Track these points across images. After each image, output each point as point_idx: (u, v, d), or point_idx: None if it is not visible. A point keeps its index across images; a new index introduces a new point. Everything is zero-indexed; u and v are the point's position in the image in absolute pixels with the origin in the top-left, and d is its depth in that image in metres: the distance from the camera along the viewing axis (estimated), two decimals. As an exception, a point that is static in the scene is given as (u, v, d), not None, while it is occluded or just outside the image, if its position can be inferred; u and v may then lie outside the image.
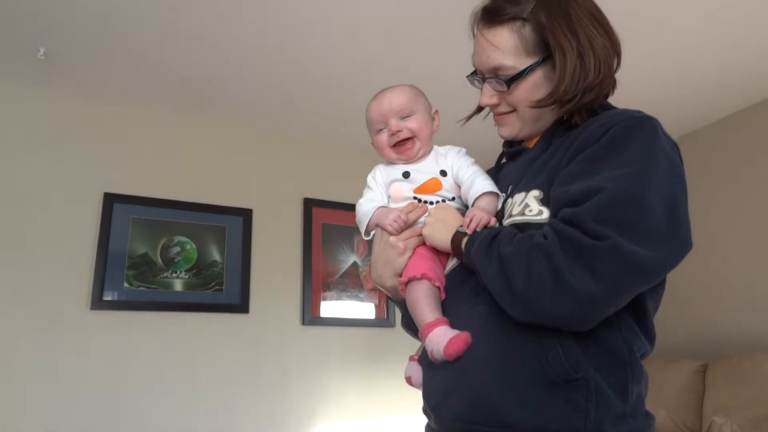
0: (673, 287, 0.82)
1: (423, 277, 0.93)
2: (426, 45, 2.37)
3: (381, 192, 1.06)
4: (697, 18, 2.19)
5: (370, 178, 1.09)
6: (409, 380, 1.03)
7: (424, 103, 1.09)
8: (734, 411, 2.28)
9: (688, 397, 2.52)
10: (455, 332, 0.86)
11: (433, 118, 1.10)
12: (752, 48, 2.39)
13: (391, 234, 1.00)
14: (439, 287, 0.93)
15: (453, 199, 1.03)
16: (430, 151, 1.07)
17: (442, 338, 0.86)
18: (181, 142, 2.97)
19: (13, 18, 2.15)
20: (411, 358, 1.05)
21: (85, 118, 2.78)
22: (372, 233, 1.05)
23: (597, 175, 0.79)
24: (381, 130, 1.07)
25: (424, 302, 0.92)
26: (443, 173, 1.04)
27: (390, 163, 1.09)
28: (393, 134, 1.04)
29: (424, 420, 0.97)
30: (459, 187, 1.03)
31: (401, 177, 1.04)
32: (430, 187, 1.02)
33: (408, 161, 1.06)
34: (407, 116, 1.05)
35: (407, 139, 1.04)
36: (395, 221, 0.99)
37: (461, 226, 0.92)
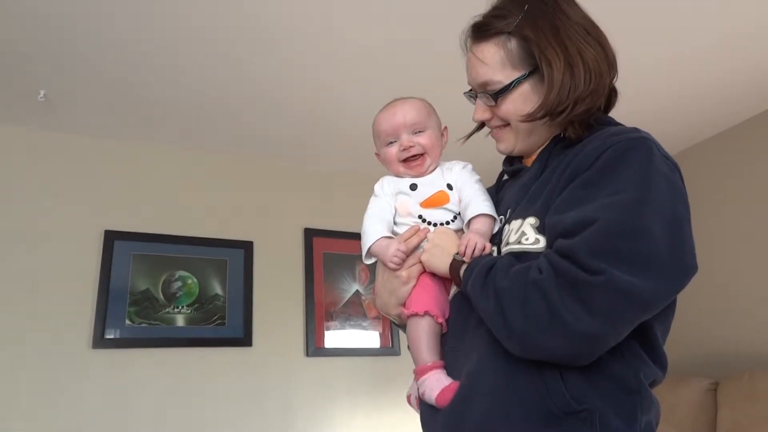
0: (682, 304, 0.80)
1: (426, 314, 0.93)
2: (428, 77, 2.39)
3: (388, 201, 1.05)
4: (697, 30, 2.23)
5: (377, 187, 1.08)
6: (409, 398, 1.02)
7: (435, 119, 1.09)
8: (749, 430, 2.24)
9: (701, 416, 2.48)
10: (448, 381, 0.87)
11: (442, 134, 1.10)
12: (755, 59, 2.42)
13: (392, 270, 0.98)
14: (441, 324, 0.93)
15: (458, 214, 1.02)
16: (437, 166, 1.07)
17: (435, 385, 0.87)
18: (179, 178, 2.99)
19: (13, 62, 2.19)
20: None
21: (84, 157, 2.80)
22: (373, 260, 1.04)
23: (591, 203, 0.77)
24: (391, 143, 1.06)
25: (423, 341, 0.92)
26: (449, 187, 1.03)
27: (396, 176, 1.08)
28: (404, 149, 1.04)
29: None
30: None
31: (408, 189, 1.03)
32: (437, 200, 1.01)
33: (416, 176, 1.05)
34: (419, 131, 1.05)
35: (418, 156, 1.04)
36: (395, 256, 0.96)
37: (457, 253, 0.91)
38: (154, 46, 2.15)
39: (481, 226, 0.94)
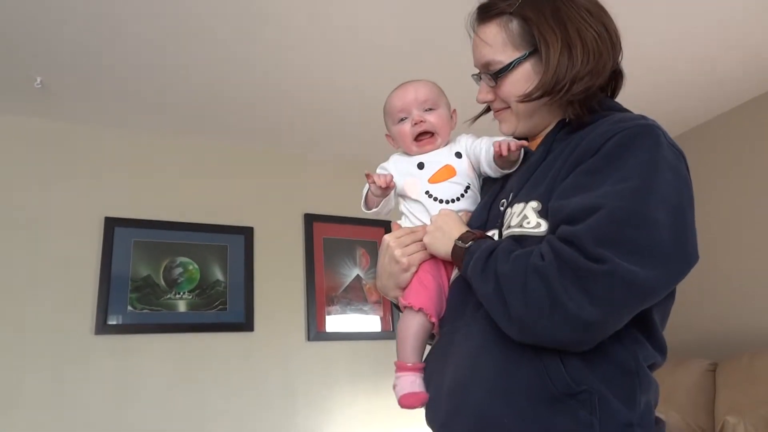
0: (681, 286, 0.80)
1: (420, 310, 0.94)
2: (429, 65, 2.37)
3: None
4: (692, 14, 2.21)
5: (379, 169, 1.10)
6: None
7: (446, 100, 1.10)
8: (747, 410, 2.25)
9: (700, 397, 2.50)
10: (420, 390, 0.91)
11: (451, 117, 1.11)
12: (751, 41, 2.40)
13: (375, 182, 1.02)
14: (433, 323, 0.94)
15: (468, 187, 1.02)
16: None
17: (408, 387, 0.91)
18: (179, 164, 2.98)
19: (8, 49, 2.17)
20: None
21: (83, 144, 2.79)
22: (372, 210, 1.09)
23: (596, 189, 0.77)
24: (403, 119, 1.07)
25: (410, 339, 0.94)
26: (458, 155, 1.05)
27: (405, 154, 1.09)
28: (416, 124, 1.05)
29: (434, 433, 0.96)
30: (474, 169, 1.04)
31: (416, 168, 1.05)
32: (443, 174, 1.03)
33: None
34: (430, 109, 1.07)
35: (429, 134, 1.06)
36: (386, 176, 1.03)
37: (459, 239, 0.91)
38: (154, 34, 2.13)
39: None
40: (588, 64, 0.87)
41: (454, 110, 1.12)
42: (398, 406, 0.93)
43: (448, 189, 1.02)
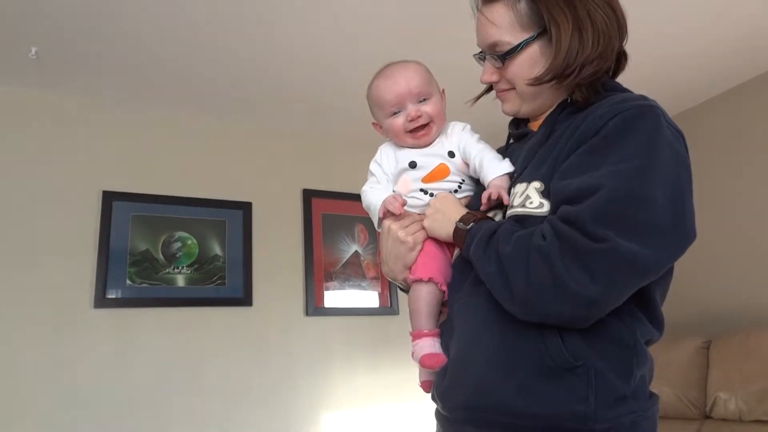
0: (676, 263, 0.82)
1: (430, 280, 0.94)
2: (430, 33, 2.34)
3: (386, 179, 1.05)
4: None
5: (374, 165, 1.07)
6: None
7: (435, 84, 1.07)
8: (739, 386, 2.29)
9: (693, 373, 2.53)
10: (439, 351, 0.92)
11: (442, 97, 1.08)
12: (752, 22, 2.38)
13: (391, 212, 0.98)
14: (444, 291, 0.95)
15: (462, 182, 1.01)
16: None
17: (427, 348, 0.92)
18: (177, 138, 2.96)
19: (2, 18, 2.13)
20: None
21: (80, 117, 2.76)
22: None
23: (597, 169, 0.78)
24: (396, 113, 1.03)
25: (423, 309, 0.95)
26: (451, 154, 1.02)
27: (394, 146, 1.06)
28: (412, 120, 1.01)
29: (432, 405, 0.98)
30: (467, 165, 1.02)
31: (408, 167, 1.02)
32: (438, 174, 1.01)
33: (420, 146, 1.04)
34: (425, 99, 1.02)
35: (425, 125, 1.02)
36: (396, 200, 0.98)
37: (460, 221, 0.91)
38: (152, 8, 2.09)
39: (501, 182, 0.95)
40: (598, 47, 0.86)
41: (443, 90, 1.09)
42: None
43: (442, 186, 1.01)
